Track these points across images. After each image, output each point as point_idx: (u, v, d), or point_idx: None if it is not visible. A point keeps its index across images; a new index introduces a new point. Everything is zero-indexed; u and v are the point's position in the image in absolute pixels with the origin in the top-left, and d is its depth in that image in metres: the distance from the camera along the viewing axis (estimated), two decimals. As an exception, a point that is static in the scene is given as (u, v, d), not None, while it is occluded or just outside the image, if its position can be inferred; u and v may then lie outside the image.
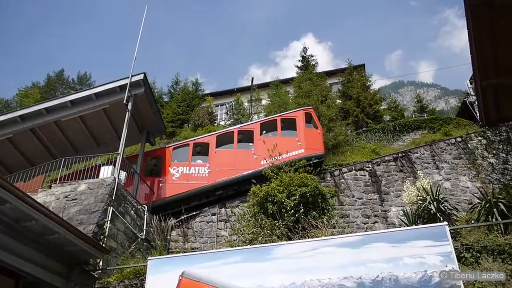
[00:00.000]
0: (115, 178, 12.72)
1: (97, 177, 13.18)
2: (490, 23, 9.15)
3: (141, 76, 15.23)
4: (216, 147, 18.13)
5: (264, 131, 18.60)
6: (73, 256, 9.26)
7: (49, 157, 16.17)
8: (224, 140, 18.53)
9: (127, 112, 14.62)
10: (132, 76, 14.93)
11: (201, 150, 18.40)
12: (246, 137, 18.60)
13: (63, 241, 8.50)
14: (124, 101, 14.42)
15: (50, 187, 13.03)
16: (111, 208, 11.72)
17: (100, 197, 11.91)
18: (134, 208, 13.53)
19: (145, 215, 14.08)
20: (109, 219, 11.43)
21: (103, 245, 10.47)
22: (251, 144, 18.28)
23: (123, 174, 13.96)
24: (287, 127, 18.65)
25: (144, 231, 13.52)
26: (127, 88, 14.55)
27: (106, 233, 11.11)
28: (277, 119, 19.03)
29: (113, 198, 12.13)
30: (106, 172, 13.31)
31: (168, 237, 15.39)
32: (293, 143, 17.58)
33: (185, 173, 17.29)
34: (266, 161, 15.26)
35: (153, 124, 17.44)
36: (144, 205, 14.59)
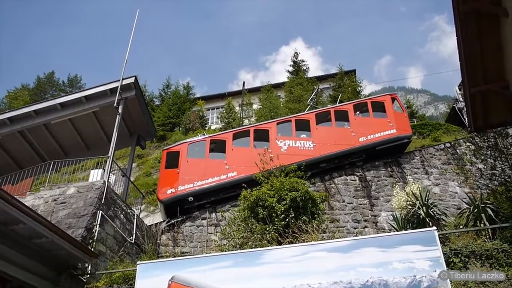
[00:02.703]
0: (104, 181, 12.63)
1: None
2: (478, 31, 9.29)
3: (132, 79, 15.18)
4: (316, 124, 19.30)
5: (358, 112, 19.97)
6: (62, 260, 9.17)
7: (38, 160, 16.03)
8: (322, 118, 19.78)
9: (118, 115, 14.53)
10: (123, 79, 14.87)
11: (303, 125, 19.35)
12: (342, 116, 19.76)
13: (51, 245, 8.42)
14: (115, 104, 14.34)
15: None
16: (101, 211, 11.62)
17: (89, 200, 11.81)
18: (123, 212, 13.44)
19: (135, 219, 13.99)
20: (98, 223, 11.33)
21: (92, 249, 10.37)
22: (346, 123, 19.51)
23: (112, 178, 13.87)
24: (376, 109, 20.04)
25: (134, 235, 13.42)
26: (118, 91, 14.47)
27: (95, 237, 11.01)
28: (367, 102, 20.56)
29: (103, 202, 12.04)
30: (95, 175, 13.21)
31: (158, 241, 15.31)
32: (385, 123, 19.11)
33: (291, 146, 18.29)
34: (364, 138, 18.24)
35: (143, 127, 17.36)
36: (134, 210, 14.49)
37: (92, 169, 13.76)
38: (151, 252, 13.69)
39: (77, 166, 15.59)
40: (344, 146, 18.42)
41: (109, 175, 13.34)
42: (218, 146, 18.33)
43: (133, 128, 17.18)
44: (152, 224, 16.27)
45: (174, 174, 17.27)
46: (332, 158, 18.36)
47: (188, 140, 19.78)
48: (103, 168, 13.42)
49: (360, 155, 18.63)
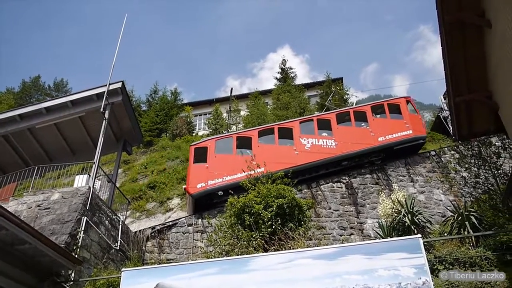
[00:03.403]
0: (90, 187, 12.49)
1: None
2: (462, 41, 9.47)
3: (119, 84, 15.09)
4: (337, 123, 20.09)
5: (375, 112, 20.93)
6: (45, 267, 9.02)
7: (22, 164, 15.80)
8: (342, 118, 20.65)
9: (104, 121, 14.41)
10: (110, 84, 14.76)
11: (324, 125, 20.11)
12: (360, 116, 20.64)
13: (34, 251, 8.28)
14: (101, 109, 14.22)
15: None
16: (85, 218, 11.49)
17: (74, 206, 11.66)
18: (109, 218, 13.30)
19: (120, 225, 13.84)
20: (83, 229, 11.20)
21: (76, 255, 10.22)
22: (363, 123, 20.46)
23: (98, 183, 13.73)
24: (392, 111, 20.97)
25: (119, 241, 13.28)
26: (105, 96, 14.36)
27: (79, 244, 10.87)
28: (384, 104, 21.41)
29: (88, 208, 11.90)
30: (80, 181, 13.06)
31: (143, 248, 15.17)
32: (402, 125, 20.06)
33: (315, 144, 19.04)
34: (383, 138, 19.26)
35: (130, 133, 17.24)
36: (119, 216, 14.35)
37: (77, 175, 13.59)
38: (136, 259, 13.55)
39: (62, 172, 15.36)
40: (365, 145, 19.26)
41: (94, 180, 13.20)
42: (244, 143, 18.95)
43: (120, 134, 17.04)
44: (137, 231, 16.11)
45: (203, 169, 17.75)
46: (353, 156, 19.15)
47: (214, 136, 20.46)
48: (89, 174, 13.28)
49: (379, 154, 19.53)
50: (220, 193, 17.04)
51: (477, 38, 9.41)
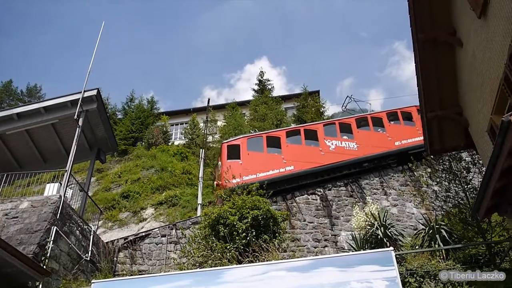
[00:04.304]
0: (61, 196, 12.19)
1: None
2: (435, 59, 9.75)
3: (94, 92, 14.86)
4: (357, 127, 21.31)
5: (390, 119, 22.14)
6: (11, 278, 8.73)
7: (-10, 171, 15.30)
8: (361, 123, 21.82)
9: (78, 128, 14.14)
10: (85, 91, 14.51)
11: (345, 128, 21.21)
12: (377, 122, 21.91)
13: (0, 262, 8.00)
14: (75, 117, 13.96)
15: None
16: (55, 227, 11.19)
17: (43, 215, 11.35)
18: (79, 228, 13.00)
19: (91, 235, 13.54)
20: (52, 239, 10.91)
21: (44, 266, 9.94)
22: (379, 129, 21.66)
23: (69, 192, 13.42)
24: (405, 118, 22.38)
25: (90, 252, 12.98)
26: (79, 103, 14.11)
27: (48, 254, 10.58)
28: (397, 111, 22.63)
29: (58, 217, 11.60)
30: (51, 189, 12.74)
31: (115, 259, 14.86)
32: (414, 131, 20.98)
33: (338, 146, 20.08)
34: (399, 143, 20.53)
35: (104, 141, 16.97)
36: (91, 226, 14.04)
37: (48, 183, 13.26)
38: (107, 270, 13.26)
39: (32, 179, 14.95)
40: (383, 149, 20.45)
41: (65, 189, 12.89)
42: (273, 142, 19.62)
43: (94, 142, 16.76)
44: (109, 241, 15.79)
45: (237, 165, 18.06)
46: (373, 158, 20.20)
47: (245, 135, 21.20)
48: (60, 182, 12.98)
49: (394, 158, 20.57)
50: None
51: (449, 56, 9.73)
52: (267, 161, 18.66)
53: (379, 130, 21.64)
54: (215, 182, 19.11)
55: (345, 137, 20.82)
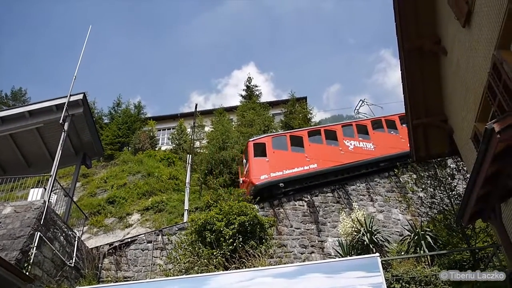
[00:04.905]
0: (45, 201, 12.01)
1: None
2: (420, 67, 9.89)
3: (80, 96, 14.71)
4: (372, 129, 22.43)
5: (402, 121, 22.56)
6: (-8, 285, 8.55)
7: (-28, 176, 15.01)
8: (376, 124, 23.03)
9: (63, 133, 13.97)
10: (71, 95, 14.35)
11: (362, 129, 22.32)
12: (391, 124, 23.13)
13: (-19, 268, 7.85)
14: (61, 121, 13.79)
15: None
16: (39, 233, 11.01)
17: (27, 221, 11.17)
18: (64, 234, 12.81)
19: (76, 241, 13.35)
20: (36, 245, 10.72)
21: (27, 273, 9.76)
22: (392, 131, 22.81)
23: (54, 197, 13.23)
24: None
25: (74, 258, 12.79)
26: (65, 108, 13.94)
27: (31, 260, 10.39)
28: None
29: (42, 223, 11.42)
30: (35, 194, 12.54)
31: (100, 265, 14.66)
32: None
33: (357, 146, 21.08)
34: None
35: (90, 146, 16.79)
36: (75, 232, 13.85)
37: (32, 188, 13.05)
38: (92, 277, 13.08)
39: (16, 184, 14.71)
40: (398, 149, 21.08)
41: (50, 194, 12.69)
42: (296, 141, 20.42)
43: (79, 146, 16.57)
44: (94, 247, 15.58)
45: (264, 162, 18.98)
46: (389, 159, 20.87)
47: (269, 134, 22.03)
48: (44, 187, 12.78)
49: (408, 158, 21.41)
50: (281, 184, 18.25)
51: (435, 65, 9.87)
52: (292, 159, 19.47)
53: (392, 132, 22.81)
54: (241, 179, 20.00)
55: (361, 138, 21.99)
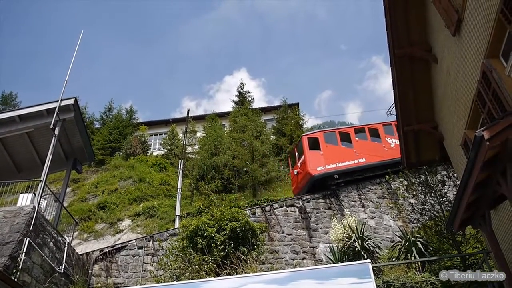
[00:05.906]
0: (34, 206, 11.89)
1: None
2: (411, 74, 9.98)
3: (71, 101, 14.59)
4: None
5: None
6: (-21, 292, 8.43)
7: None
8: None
9: (54, 137, 13.86)
10: (62, 100, 14.24)
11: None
12: None
13: (-31, 275, 7.74)
14: (51, 126, 13.69)
15: None
16: (28, 239, 10.88)
17: (16, 226, 11.04)
18: (53, 240, 12.68)
19: (66, 247, 13.22)
20: (24, 251, 10.60)
21: (16, 279, 9.64)
22: None
23: (43, 203, 13.10)
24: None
25: (64, 264, 12.65)
26: (56, 112, 13.85)
27: (20, 267, 10.26)
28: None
29: (31, 229, 11.30)
30: (25, 199, 12.41)
31: (90, 271, 14.52)
32: None
33: (397, 143, 20.81)
34: None
35: (81, 151, 16.66)
36: (65, 238, 13.72)
37: (21, 193, 12.91)
38: (81, 283, 12.95)
39: (5, 189, 14.55)
40: None
41: (39, 199, 12.56)
42: (344, 137, 21.69)
43: (70, 151, 16.44)
44: (84, 253, 15.44)
45: (319, 156, 20.13)
46: None
47: (321, 130, 23.38)
48: (34, 192, 12.65)
49: None
50: (336, 176, 19.47)
51: (425, 72, 9.97)
52: (342, 153, 20.70)
53: None
54: (295, 170, 21.03)
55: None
